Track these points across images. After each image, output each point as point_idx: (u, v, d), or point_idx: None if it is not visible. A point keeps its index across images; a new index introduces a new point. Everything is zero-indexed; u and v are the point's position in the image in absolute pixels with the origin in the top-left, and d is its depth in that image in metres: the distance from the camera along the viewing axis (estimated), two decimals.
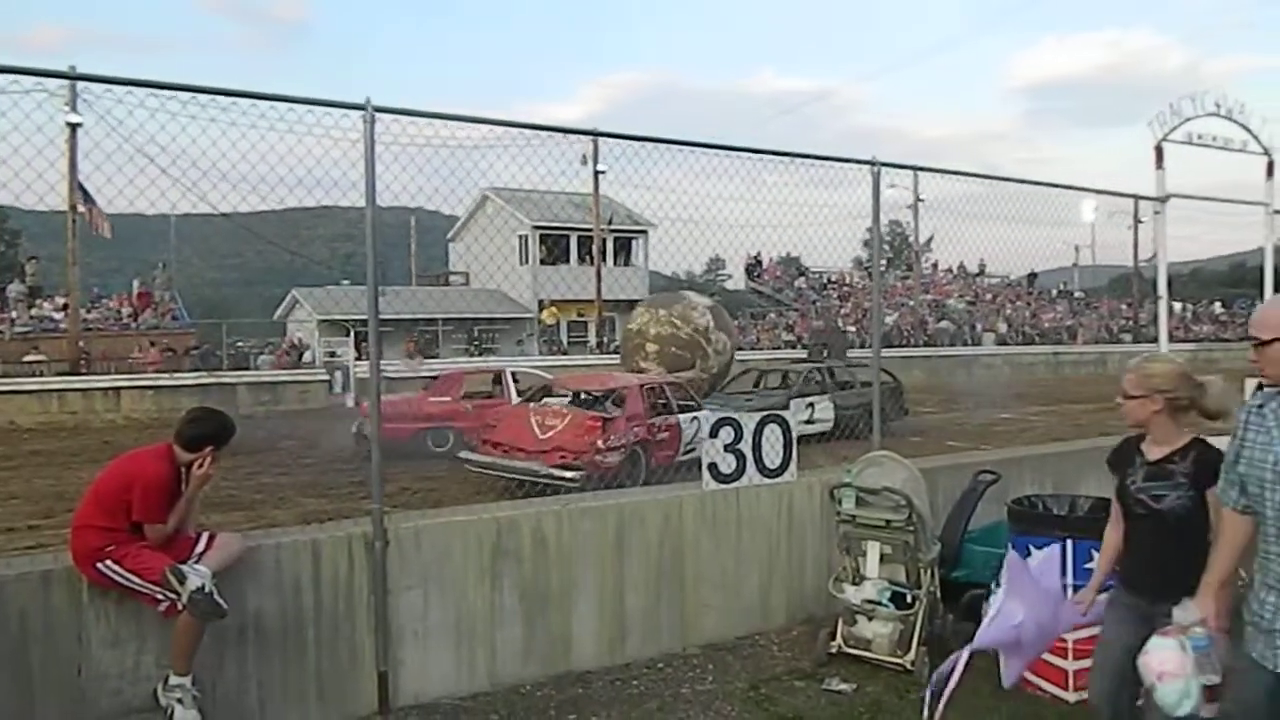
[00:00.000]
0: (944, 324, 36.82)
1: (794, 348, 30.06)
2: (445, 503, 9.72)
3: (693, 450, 10.90)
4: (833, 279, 41.41)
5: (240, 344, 28.43)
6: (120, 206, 4.72)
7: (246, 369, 25.25)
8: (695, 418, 11.44)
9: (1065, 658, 4.42)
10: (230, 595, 3.95)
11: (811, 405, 13.89)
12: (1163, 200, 7.37)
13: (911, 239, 44.64)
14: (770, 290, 40.20)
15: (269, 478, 12.26)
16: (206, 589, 3.72)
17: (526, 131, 5.46)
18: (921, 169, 6.54)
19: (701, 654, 5.21)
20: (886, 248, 61.27)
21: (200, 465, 3.93)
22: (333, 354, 25.59)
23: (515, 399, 14.43)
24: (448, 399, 14.90)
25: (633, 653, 5.10)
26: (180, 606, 3.72)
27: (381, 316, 4.46)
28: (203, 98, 4.25)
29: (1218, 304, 47.81)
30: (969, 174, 6.66)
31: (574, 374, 16.04)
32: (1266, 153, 7.92)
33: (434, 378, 16.58)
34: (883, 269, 44.97)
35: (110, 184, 4.28)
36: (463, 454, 11.16)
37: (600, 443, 10.23)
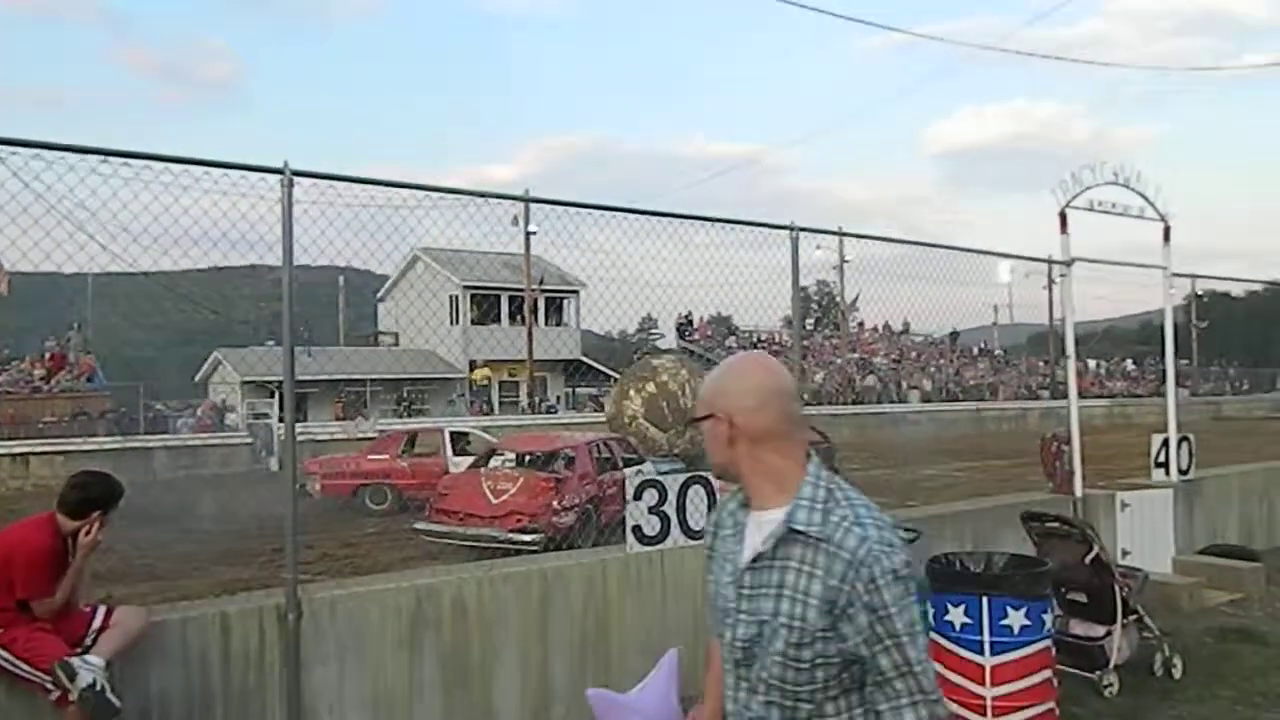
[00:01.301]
0: (870, 380, 37.58)
1: None
2: (369, 569, 9.49)
3: None
4: (762, 338, 42.00)
5: (159, 407, 27.59)
6: (28, 266, 4.57)
7: (166, 433, 24.47)
8: (639, 470, 11.52)
9: (985, 715, 4.46)
10: (132, 674, 3.79)
11: None
12: (1068, 264, 7.69)
13: (839, 299, 45.63)
14: (701, 350, 40.56)
15: (185, 546, 11.82)
16: (98, 686, 3.51)
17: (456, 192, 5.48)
18: (839, 234, 6.73)
19: None
20: (815, 307, 62.52)
21: (87, 532, 3.76)
22: (257, 416, 25.00)
23: (452, 458, 14.40)
24: (385, 457, 15.15)
25: None
26: (71, 700, 3.52)
27: (308, 377, 4.43)
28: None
29: (1129, 361, 49.75)
30: (885, 239, 6.89)
31: (519, 435, 15.98)
32: (1163, 219, 8.34)
33: (371, 438, 16.61)
34: (810, 328, 45.71)
35: (14, 246, 4.16)
36: (418, 524, 11.02)
37: (556, 503, 10.24)
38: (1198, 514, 8.85)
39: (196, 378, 36.46)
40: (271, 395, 24.43)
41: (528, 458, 11.79)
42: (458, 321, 35.65)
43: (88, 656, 3.59)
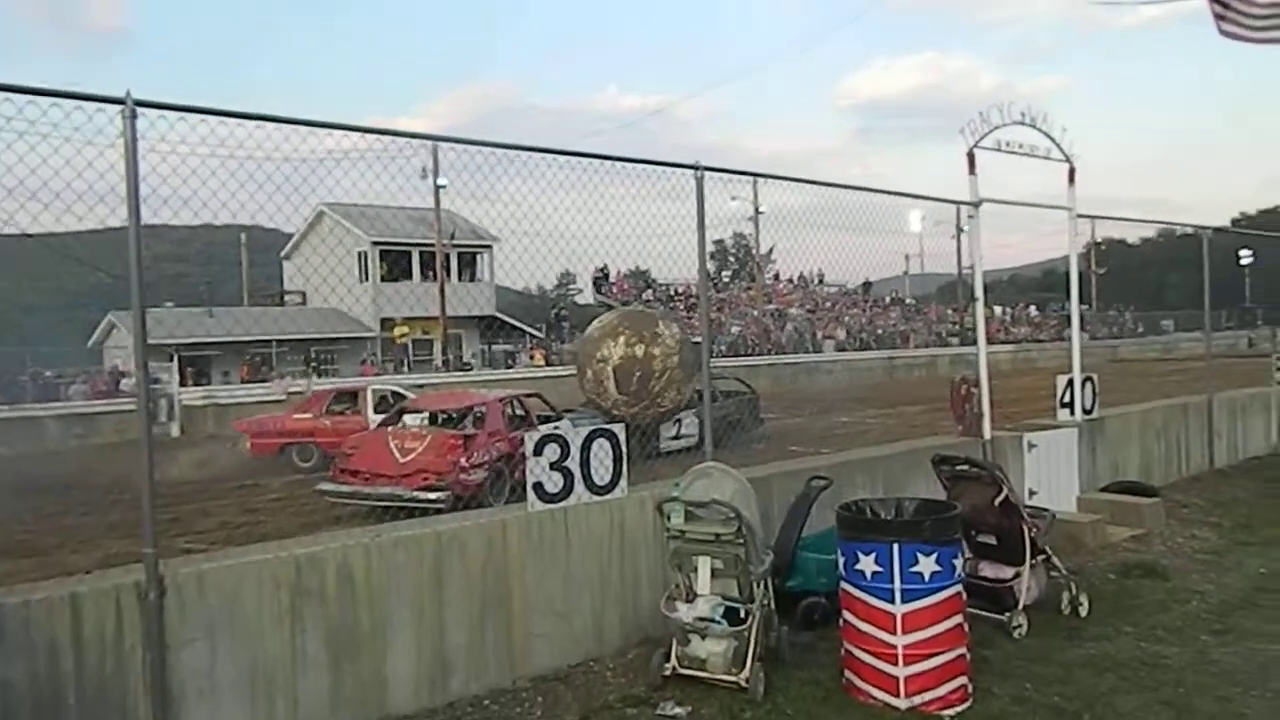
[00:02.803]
0: (789, 328, 37.94)
1: None
2: (264, 537, 9.07)
3: None
4: (679, 291, 41.92)
5: (48, 373, 26.21)
6: None
7: (58, 400, 23.24)
8: (556, 426, 11.26)
9: (895, 664, 4.36)
10: None
11: (679, 421, 13.83)
12: (976, 205, 7.61)
13: (754, 251, 45.77)
14: (619, 303, 40.29)
15: (73, 519, 11.16)
16: None
17: (364, 145, 5.06)
18: (745, 174, 6.49)
19: (532, 687, 4.90)
20: (732, 259, 62.71)
21: None
22: (155, 381, 23.90)
23: (372, 416, 14.07)
24: (309, 415, 15.05)
25: (457, 691, 4.74)
26: None
27: (210, 339, 4.04)
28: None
29: (1033, 308, 51.34)
30: (791, 179, 6.65)
31: (433, 393, 15.73)
32: (1068, 159, 8.33)
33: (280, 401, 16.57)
34: (728, 281, 45.78)
35: None
36: (322, 485, 10.74)
37: (463, 461, 10.05)
38: (1100, 452, 9.00)
39: (90, 343, 34.72)
40: (170, 359, 23.38)
41: (441, 416, 11.59)
42: (367, 279, 34.60)
43: None
